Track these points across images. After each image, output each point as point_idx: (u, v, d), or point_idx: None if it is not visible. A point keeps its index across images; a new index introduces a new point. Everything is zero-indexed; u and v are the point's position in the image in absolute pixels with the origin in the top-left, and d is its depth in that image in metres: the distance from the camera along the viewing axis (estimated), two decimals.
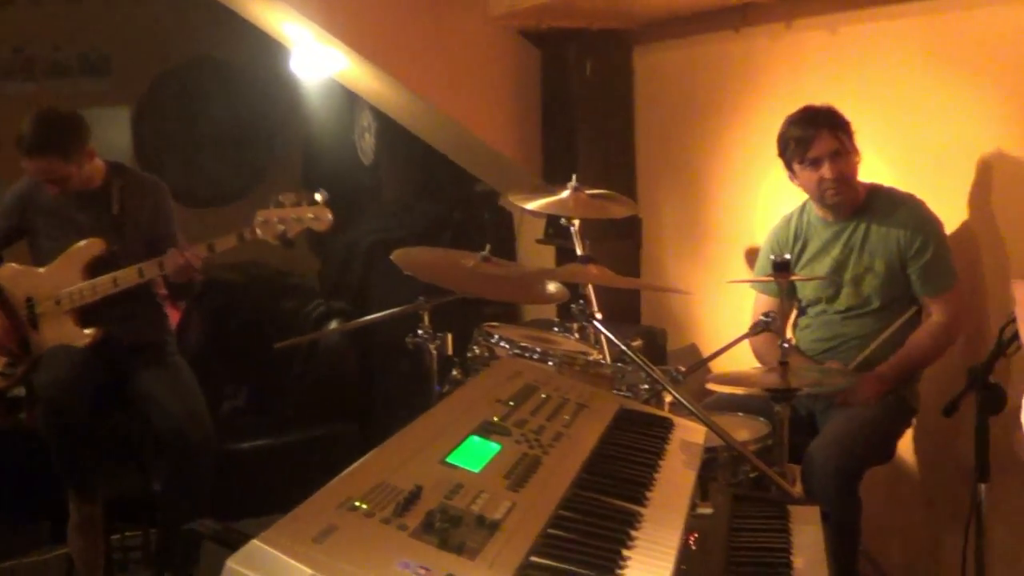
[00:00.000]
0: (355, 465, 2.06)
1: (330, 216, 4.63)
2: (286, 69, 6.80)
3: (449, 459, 2.19)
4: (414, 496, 1.94)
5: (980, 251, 4.34)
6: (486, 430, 2.40)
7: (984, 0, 4.20)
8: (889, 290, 4.29)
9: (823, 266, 4.38)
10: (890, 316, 4.32)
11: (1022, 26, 4.01)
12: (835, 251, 4.36)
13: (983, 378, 3.32)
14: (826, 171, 4.22)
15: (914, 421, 4.46)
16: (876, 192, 4.38)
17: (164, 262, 4.66)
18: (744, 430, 3.93)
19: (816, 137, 4.24)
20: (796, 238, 4.52)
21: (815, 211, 4.46)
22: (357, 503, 1.88)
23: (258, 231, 4.61)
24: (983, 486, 3.42)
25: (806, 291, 4.48)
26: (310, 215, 4.61)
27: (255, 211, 4.66)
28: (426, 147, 7.24)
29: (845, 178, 4.26)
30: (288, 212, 4.61)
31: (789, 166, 4.37)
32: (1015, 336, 2.10)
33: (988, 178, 4.28)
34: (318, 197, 4.61)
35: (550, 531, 2.03)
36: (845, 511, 3.99)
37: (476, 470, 2.18)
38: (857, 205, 4.35)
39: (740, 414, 4.12)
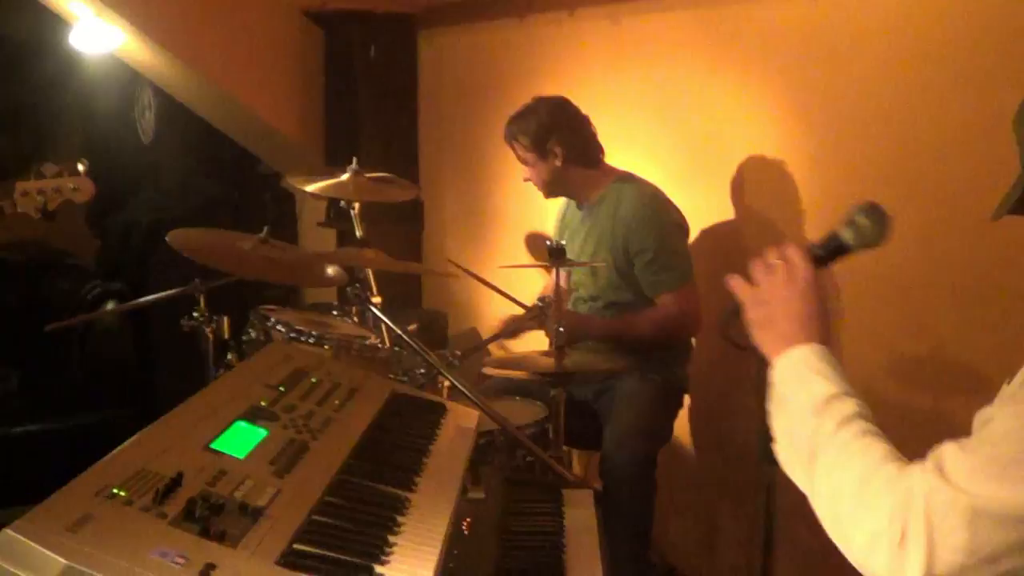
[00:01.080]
0: (115, 451, 2.00)
1: (92, 186, 4.49)
2: (66, 44, 6.60)
3: (213, 445, 2.15)
4: (175, 483, 1.90)
5: (743, 241, 4.45)
6: (253, 415, 2.36)
7: None
8: (620, 281, 4.36)
9: (572, 252, 4.45)
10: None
11: (799, 23, 4.12)
12: (579, 238, 4.46)
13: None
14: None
15: (687, 402, 4.55)
16: (621, 182, 4.45)
17: None
18: (520, 414, 3.95)
19: (511, 146, 4.45)
20: (563, 224, 4.64)
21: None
22: (116, 490, 1.82)
23: (17, 204, 4.44)
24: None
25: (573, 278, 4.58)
26: (71, 186, 4.45)
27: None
28: (208, 126, 7.11)
29: (540, 183, 4.43)
30: (48, 183, 4.43)
31: None
32: None
33: (756, 172, 4.40)
34: (80, 167, 4.46)
35: (315, 517, 2.01)
36: (645, 496, 4.06)
37: (241, 456, 2.14)
38: (594, 194, 4.46)
39: (518, 398, 4.16)
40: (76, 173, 4.45)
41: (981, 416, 1.69)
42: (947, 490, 1.56)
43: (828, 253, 2.08)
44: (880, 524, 1.61)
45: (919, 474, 1.61)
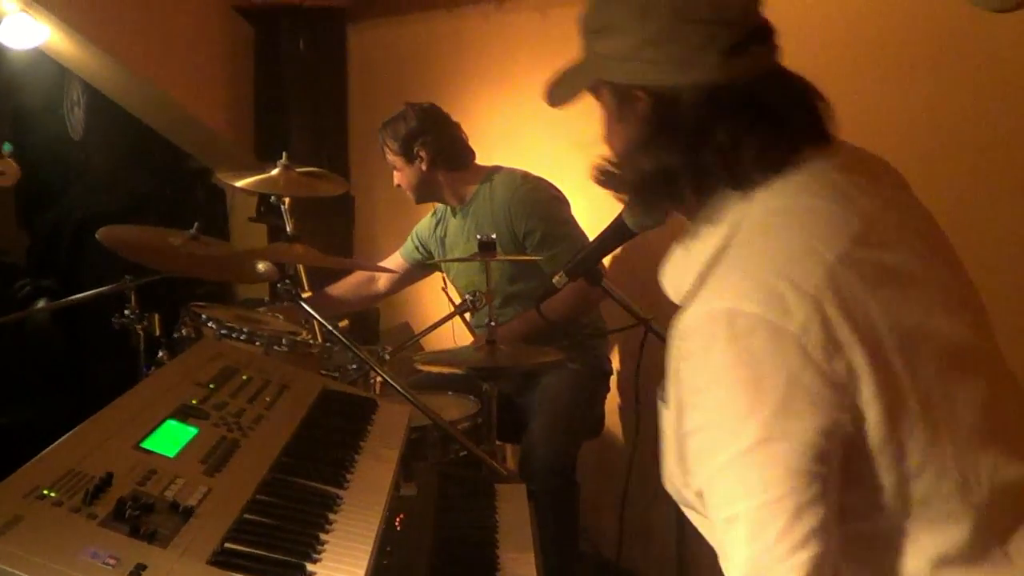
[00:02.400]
0: (45, 451, 1.99)
1: (17, 169, 4.44)
2: None
3: (144, 444, 2.14)
4: (105, 483, 1.90)
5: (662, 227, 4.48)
6: (183, 413, 2.36)
7: None
8: (514, 270, 4.41)
9: (457, 253, 4.56)
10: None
11: None
12: (461, 240, 4.52)
13: None
14: None
15: (614, 389, 4.58)
16: (488, 178, 4.52)
17: None
18: (453, 409, 3.96)
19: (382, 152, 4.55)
20: (437, 225, 4.72)
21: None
22: (45, 491, 1.82)
23: None
24: None
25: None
26: None
27: None
28: (137, 122, 7.04)
29: (408, 187, 4.54)
30: None
31: None
32: None
33: None
34: (4, 150, 4.42)
35: (246, 516, 2.02)
36: (566, 493, 4.10)
37: (171, 455, 2.14)
38: (465, 195, 4.53)
39: (450, 393, 4.16)
40: (1, 156, 4.39)
41: (666, 443, 1.80)
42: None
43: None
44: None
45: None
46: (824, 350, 1.56)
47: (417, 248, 4.78)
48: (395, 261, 4.86)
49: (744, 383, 1.56)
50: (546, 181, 4.45)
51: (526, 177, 4.44)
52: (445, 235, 4.67)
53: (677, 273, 1.84)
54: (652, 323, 3.49)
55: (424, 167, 4.46)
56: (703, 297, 1.65)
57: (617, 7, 1.80)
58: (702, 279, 1.68)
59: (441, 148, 4.46)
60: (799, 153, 1.74)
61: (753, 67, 1.75)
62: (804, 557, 1.53)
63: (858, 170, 1.79)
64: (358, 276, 4.94)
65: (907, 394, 1.60)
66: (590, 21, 1.86)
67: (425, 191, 4.56)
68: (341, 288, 4.95)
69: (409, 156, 4.46)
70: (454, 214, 4.59)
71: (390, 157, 4.52)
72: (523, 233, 4.31)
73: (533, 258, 4.26)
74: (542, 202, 4.38)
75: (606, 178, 1.86)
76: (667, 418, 1.78)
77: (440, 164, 4.47)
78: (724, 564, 1.63)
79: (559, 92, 1.98)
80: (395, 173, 4.55)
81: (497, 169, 4.53)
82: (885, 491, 1.61)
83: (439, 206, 4.70)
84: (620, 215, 2.05)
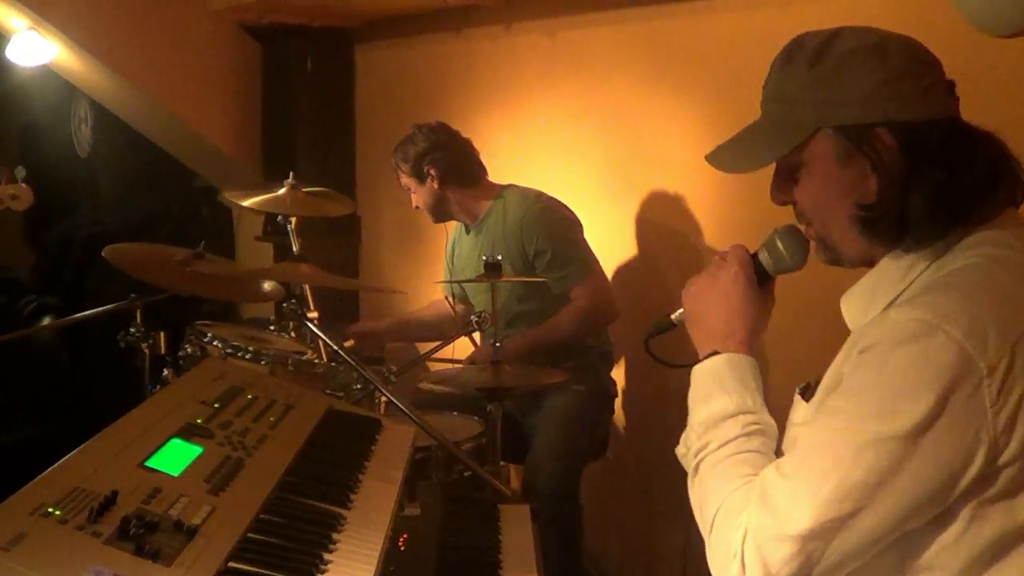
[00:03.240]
0: (50, 469, 1.99)
1: (30, 194, 4.45)
2: (2, 56, 6.54)
3: (148, 463, 2.14)
4: (109, 501, 1.89)
5: (677, 255, 4.49)
6: (188, 432, 2.35)
7: (690, 11, 4.36)
8: (523, 290, 4.43)
9: (468, 272, 4.56)
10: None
11: (732, 40, 4.16)
12: (474, 257, 4.50)
13: None
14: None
15: (618, 409, 4.59)
16: (503, 193, 4.55)
17: None
18: (458, 429, 3.96)
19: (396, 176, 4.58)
20: (454, 256, 4.73)
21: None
22: (50, 509, 1.82)
23: None
24: None
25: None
26: (11, 192, 4.43)
27: None
28: (144, 140, 7.07)
29: (425, 207, 4.54)
30: None
31: None
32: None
33: (690, 187, 4.44)
34: (18, 175, 4.43)
35: (250, 535, 2.02)
36: (569, 513, 4.09)
37: (176, 474, 2.14)
38: (479, 212, 4.55)
39: (455, 413, 4.16)
40: (13, 180, 4.41)
41: (790, 432, 1.86)
42: (773, 524, 1.69)
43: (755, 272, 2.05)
44: (725, 556, 1.75)
45: (751, 508, 1.72)
46: (998, 397, 1.63)
47: (448, 271, 4.81)
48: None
49: (911, 385, 1.64)
50: (560, 201, 4.46)
51: (540, 196, 4.45)
52: (456, 253, 4.69)
53: (864, 299, 1.89)
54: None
55: (436, 185, 4.47)
56: (909, 308, 1.72)
57: (849, 52, 1.83)
58: (909, 299, 1.77)
59: (450, 165, 4.48)
60: (1000, 203, 1.83)
61: (958, 108, 1.86)
62: (802, 554, 1.67)
63: None
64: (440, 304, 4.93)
65: None
66: (804, 66, 1.87)
67: (439, 210, 4.57)
68: (427, 312, 4.98)
69: (420, 176, 4.48)
70: (467, 231, 4.61)
71: (404, 180, 4.55)
72: (533, 252, 4.33)
73: (538, 279, 4.28)
74: (555, 222, 4.40)
75: (867, 227, 1.85)
76: (800, 409, 1.89)
77: (450, 181, 4.49)
78: (753, 499, 1.74)
79: (751, 152, 1.96)
80: (412, 196, 4.57)
81: (510, 186, 4.56)
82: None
83: (456, 225, 4.70)
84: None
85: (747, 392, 1.93)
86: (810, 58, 1.85)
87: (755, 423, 1.89)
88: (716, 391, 1.94)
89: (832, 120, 1.83)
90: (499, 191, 4.54)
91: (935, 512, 1.68)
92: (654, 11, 4.52)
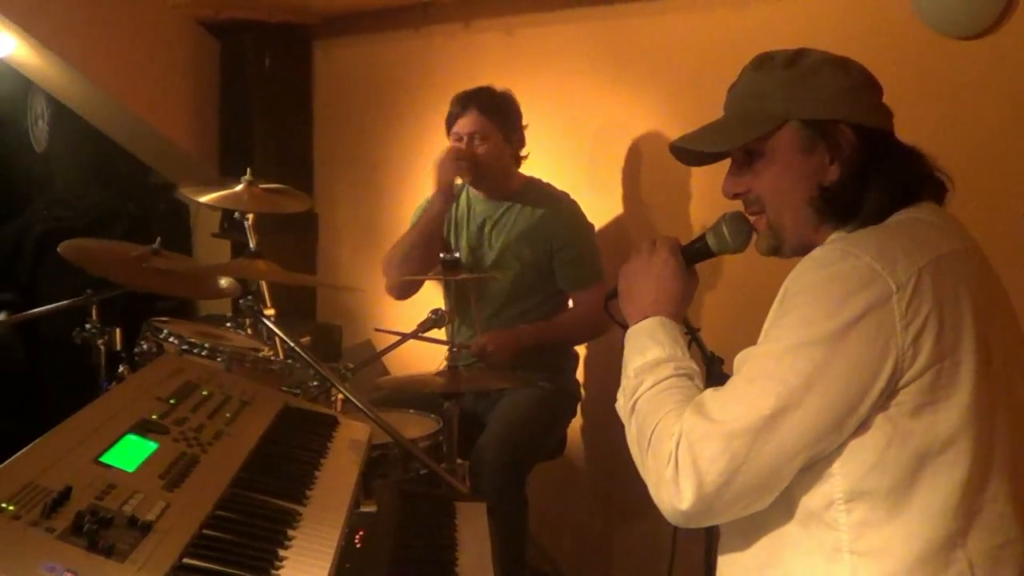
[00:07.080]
0: (3, 465, 1.97)
1: None
2: None
3: (103, 458, 2.12)
4: (63, 497, 1.88)
5: (634, 246, 4.50)
6: (143, 428, 2.34)
7: (648, 11, 4.38)
8: (530, 278, 4.45)
9: (469, 236, 4.56)
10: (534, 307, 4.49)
11: (692, 37, 4.20)
12: (487, 227, 4.52)
13: None
14: (463, 147, 4.43)
15: (579, 411, 4.60)
16: (532, 184, 4.57)
17: None
18: (414, 427, 3.95)
19: (462, 115, 4.44)
20: (453, 217, 4.66)
21: (472, 188, 4.63)
22: (3, 504, 1.80)
23: None
24: None
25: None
26: None
27: None
28: (101, 136, 7.03)
29: (479, 159, 4.43)
30: None
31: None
32: None
33: (646, 177, 4.47)
34: None
35: (205, 532, 2.01)
36: (512, 506, 4.08)
37: (131, 470, 2.12)
38: (510, 190, 4.53)
39: (411, 411, 4.15)
40: None
41: (738, 358, 2.03)
42: (703, 424, 1.92)
43: (693, 253, 2.35)
44: (660, 465, 1.95)
45: (685, 417, 1.96)
46: (907, 311, 1.89)
47: (452, 221, 4.71)
48: None
49: (827, 299, 1.92)
50: None
51: (572, 200, 4.53)
52: (457, 212, 4.65)
53: None
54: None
55: (511, 152, 4.50)
56: (826, 247, 2.04)
57: (818, 62, 2.14)
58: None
59: (520, 140, 4.54)
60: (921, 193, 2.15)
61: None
62: (728, 451, 1.88)
63: (954, 219, 2.17)
64: None
65: (959, 387, 1.93)
66: (779, 69, 2.16)
67: (491, 172, 4.49)
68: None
69: (508, 134, 4.47)
70: (487, 199, 4.60)
71: (483, 125, 4.43)
72: (560, 246, 4.41)
73: (492, 277, 4.31)
74: (587, 225, 4.51)
75: (824, 206, 2.12)
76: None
77: (513, 154, 4.54)
78: (688, 410, 1.97)
79: (720, 138, 2.21)
80: (478, 142, 4.44)
81: (539, 180, 4.60)
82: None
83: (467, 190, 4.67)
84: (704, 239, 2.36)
85: (678, 346, 2.19)
86: (785, 63, 2.15)
87: (686, 368, 2.13)
88: (649, 344, 2.18)
89: (800, 113, 2.11)
90: (526, 179, 4.58)
91: (850, 425, 1.91)
92: (612, 10, 4.54)
